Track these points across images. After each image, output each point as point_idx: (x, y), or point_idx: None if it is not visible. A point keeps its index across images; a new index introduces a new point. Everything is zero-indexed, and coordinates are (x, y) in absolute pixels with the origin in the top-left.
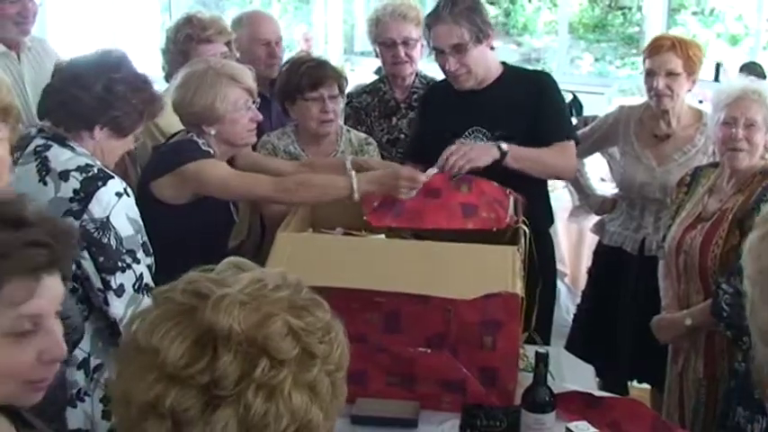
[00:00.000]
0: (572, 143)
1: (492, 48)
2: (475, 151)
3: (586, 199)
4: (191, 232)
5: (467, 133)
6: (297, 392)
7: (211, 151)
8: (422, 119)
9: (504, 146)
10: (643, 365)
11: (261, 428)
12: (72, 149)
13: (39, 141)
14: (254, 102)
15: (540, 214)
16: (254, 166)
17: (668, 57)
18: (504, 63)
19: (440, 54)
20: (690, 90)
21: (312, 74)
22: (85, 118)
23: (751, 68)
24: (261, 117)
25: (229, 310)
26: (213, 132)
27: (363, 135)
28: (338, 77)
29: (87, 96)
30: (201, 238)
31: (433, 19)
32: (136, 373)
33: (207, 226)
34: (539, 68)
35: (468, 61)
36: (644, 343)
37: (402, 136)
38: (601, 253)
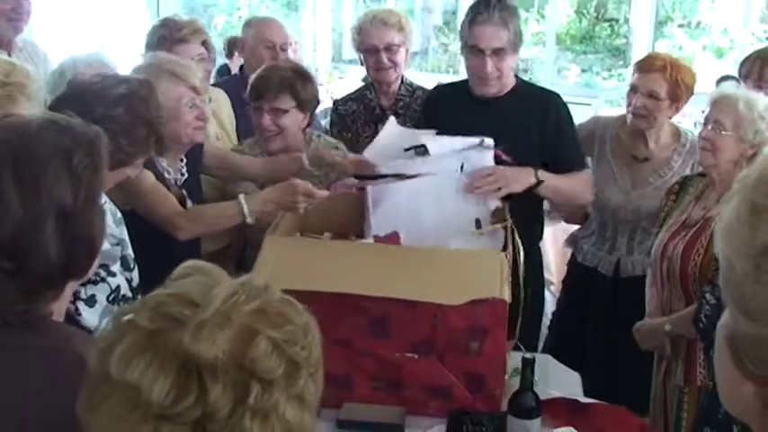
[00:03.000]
0: (589, 171)
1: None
2: (511, 175)
3: (558, 205)
4: (147, 239)
5: None
6: (290, 408)
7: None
8: (427, 120)
9: (542, 174)
10: (615, 385)
11: None
12: None
13: None
14: (202, 100)
15: (532, 226)
16: (220, 161)
17: (655, 77)
18: (516, 76)
19: (478, 54)
20: (671, 117)
21: (255, 83)
22: None
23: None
24: (208, 115)
25: (211, 339)
26: None
27: (334, 141)
28: (289, 89)
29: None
30: (160, 246)
31: (483, 18)
32: (117, 412)
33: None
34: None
35: (503, 67)
36: (619, 364)
37: None
38: (574, 267)
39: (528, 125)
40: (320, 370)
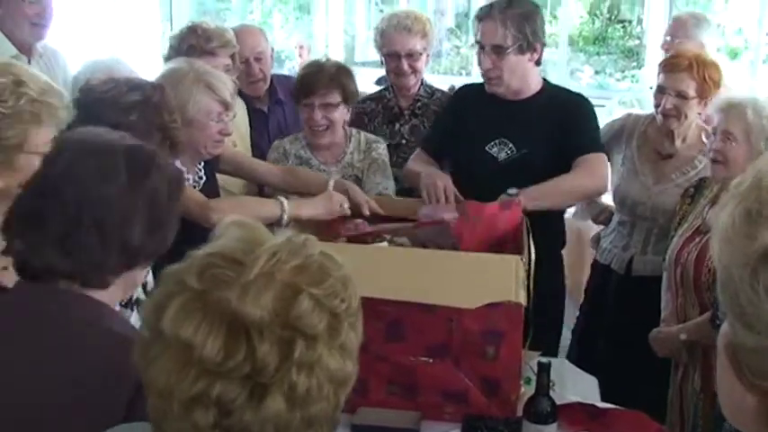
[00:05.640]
0: (601, 155)
1: (537, 63)
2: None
3: (588, 204)
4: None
5: (493, 143)
6: (332, 358)
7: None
8: (450, 115)
9: (513, 190)
10: (628, 389)
11: (308, 401)
12: None
13: None
14: (228, 115)
15: (553, 235)
16: (236, 168)
17: (682, 77)
18: (545, 80)
19: (480, 50)
20: (701, 113)
21: (304, 80)
22: None
23: None
24: (231, 131)
25: (257, 299)
26: None
27: (374, 137)
28: (338, 84)
29: None
30: (180, 246)
31: (484, 14)
32: (172, 369)
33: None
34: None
35: (502, 65)
36: (630, 367)
37: (404, 141)
38: (594, 268)
39: (551, 129)
40: (359, 318)
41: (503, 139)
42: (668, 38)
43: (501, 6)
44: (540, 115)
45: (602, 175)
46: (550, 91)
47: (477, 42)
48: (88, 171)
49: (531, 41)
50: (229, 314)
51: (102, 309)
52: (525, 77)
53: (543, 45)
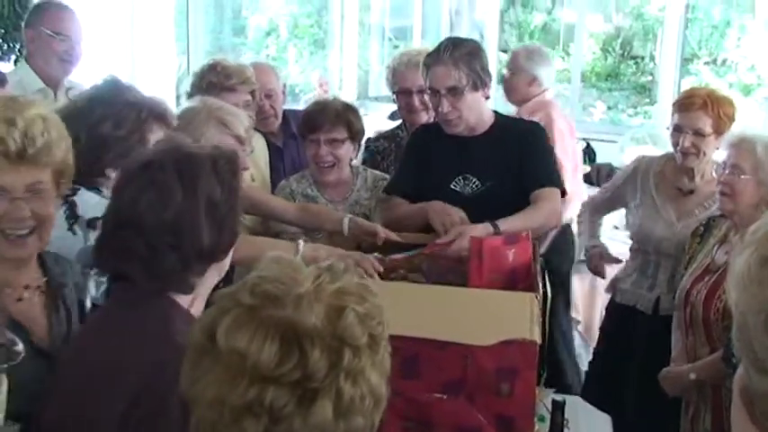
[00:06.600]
0: (555, 190)
1: (487, 97)
2: (470, 227)
3: (588, 248)
4: None
5: (457, 180)
6: (373, 373)
7: None
8: (410, 158)
9: (500, 225)
10: (652, 427)
11: (352, 410)
12: (99, 191)
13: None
14: (244, 150)
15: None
16: (252, 205)
17: (697, 115)
18: (495, 112)
19: (435, 95)
20: (718, 148)
21: (311, 116)
22: (90, 168)
23: None
24: (248, 166)
25: (309, 309)
26: None
27: (381, 174)
28: (344, 121)
29: (77, 150)
30: None
31: (433, 60)
32: (224, 379)
33: None
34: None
35: (461, 106)
36: (655, 404)
37: None
38: (612, 310)
39: (508, 160)
40: (389, 348)
41: (466, 174)
42: (504, 71)
43: (448, 49)
44: (497, 147)
45: (559, 211)
46: (503, 122)
47: (429, 89)
48: (151, 201)
49: (482, 77)
50: (283, 324)
51: (170, 313)
52: (480, 113)
53: (491, 79)
